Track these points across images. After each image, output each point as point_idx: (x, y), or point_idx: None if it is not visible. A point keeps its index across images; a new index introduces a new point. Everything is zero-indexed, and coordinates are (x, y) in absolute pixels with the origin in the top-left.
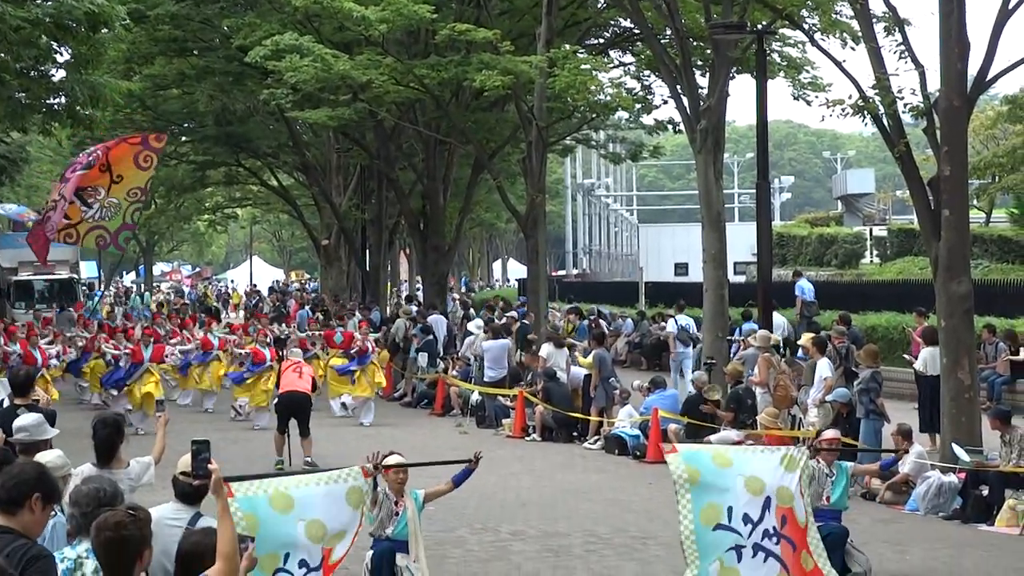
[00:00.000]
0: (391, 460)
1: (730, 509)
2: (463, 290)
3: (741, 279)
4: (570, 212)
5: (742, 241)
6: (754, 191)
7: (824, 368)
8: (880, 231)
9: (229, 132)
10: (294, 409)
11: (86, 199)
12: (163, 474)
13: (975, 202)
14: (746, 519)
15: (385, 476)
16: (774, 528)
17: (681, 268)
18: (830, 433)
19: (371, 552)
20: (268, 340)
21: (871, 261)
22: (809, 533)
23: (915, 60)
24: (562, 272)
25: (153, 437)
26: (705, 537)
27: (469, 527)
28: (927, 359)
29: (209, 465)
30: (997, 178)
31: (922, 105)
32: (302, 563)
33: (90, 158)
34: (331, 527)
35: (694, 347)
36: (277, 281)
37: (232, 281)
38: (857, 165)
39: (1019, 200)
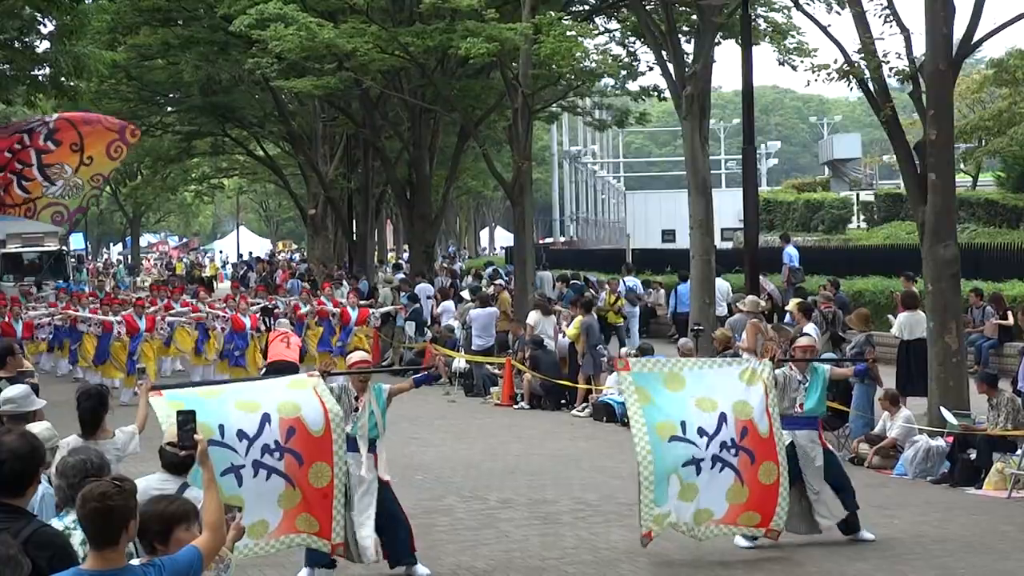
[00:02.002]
0: (355, 356)
1: (683, 423)
2: (445, 258)
3: (728, 245)
4: (557, 180)
5: (729, 207)
6: (740, 157)
7: (811, 333)
8: (867, 196)
9: (215, 102)
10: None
11: (50, 176)
12: (150, 444)
13: (962, 166)
14: (701, 432)
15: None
16: (732, 440)
17: (668, 235)
18: (804, 340)
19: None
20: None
21: (858, 226)
22: (777, 445)
23: (900, 24)
24: (549, 240)
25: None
26: (660, 450)
27: (458, 495)
28: (903, 323)
29: (195, 436)
30: (984, 142)
31: (908, 69)
32: (240, 433)
33: (50, 128)
34: (267, 400)
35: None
36: (269, 253)
37: (222, 252)
38: (844, 130)
39: (1006, 163)
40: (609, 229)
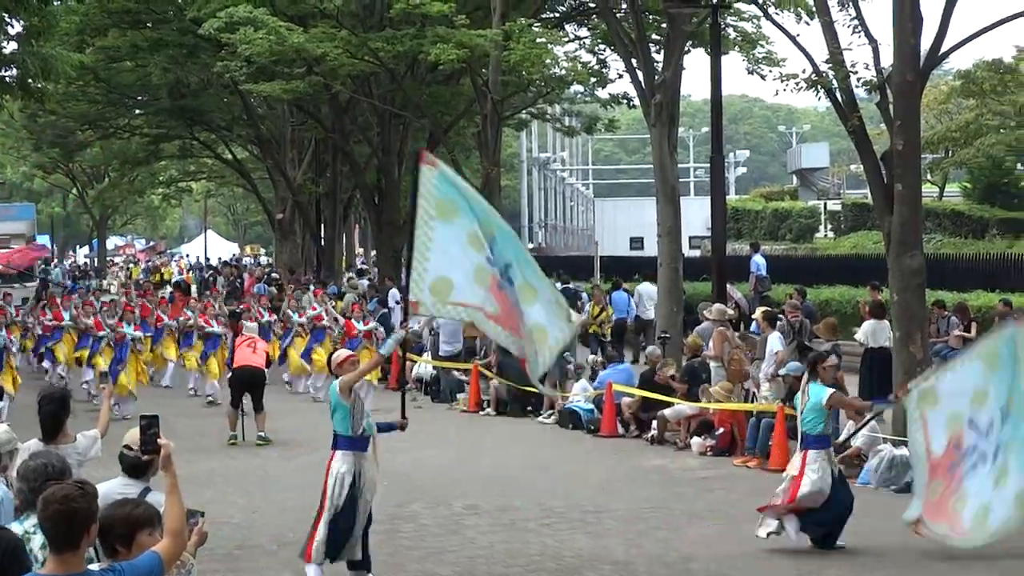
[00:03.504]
0: (343, 353)
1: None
2: None
3: (696, 253)
4: (526, 186)
5: (697, 215)
6: (709, 165)
7: (775, 342)
8: (834, 205)
9: (183, 105)
10: (249, 384)
11: None
12: (112, 449)
13: (928, 177)
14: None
15: (340, 369)
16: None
17: (636, 242)
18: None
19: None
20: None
21: (825, 235)
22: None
23: (869, 35)
24: None
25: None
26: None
27: (423, 501)
28: (868, 331)
29: (158, 440)
30: (950, 153)
31: (875, 80)
32: None
33: None
34: None
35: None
36: (234, 256)
37: (187, 255)
38: (812, 139)
39: (972, 175)
40: (578, 236)
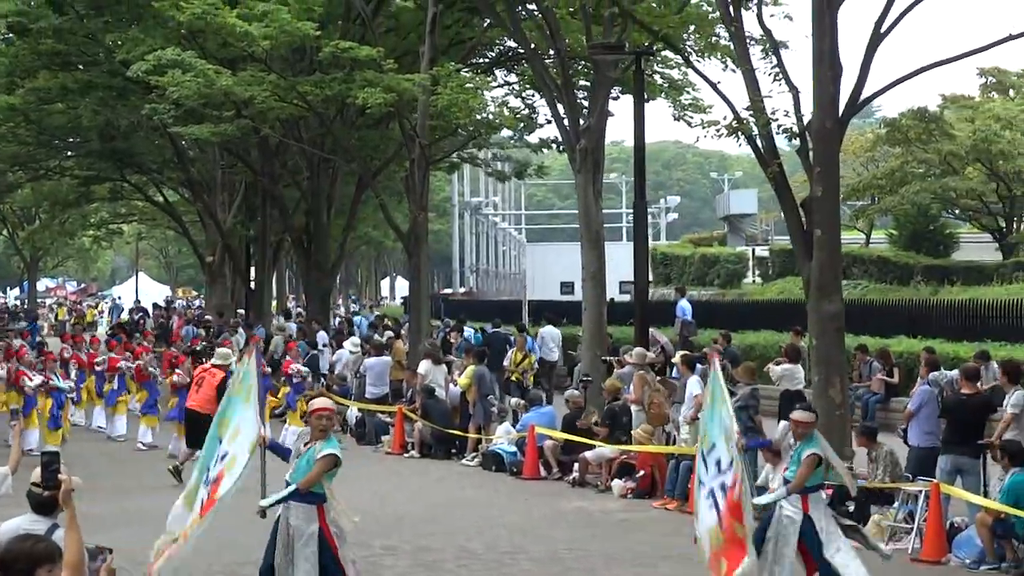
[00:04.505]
0: (319, 402)
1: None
2: (346, 310)
3: (627, 297)
4: (457, 230)
5: (628, 260)
6: (632, 211)
7: (694, 385)
8: (762, 251)
9: (114, 147)
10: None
11: None
12: (21, 487)
13: (856, 224)
14: (718, 464)
15: (309, 419)
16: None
17: (567, 287)
18: (799, 415)
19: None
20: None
21: (753, 281)
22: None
23: (789, 82)
24: (449, 290)
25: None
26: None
27: None
28: (779, 375)
29: (59, 475)
30: (876, 200)
31: (796, 127)
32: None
33: None
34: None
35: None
36: (167, 298)
37: (119, 297)
38: (744, 186)
39: (898, 222)
40: (509, 280)
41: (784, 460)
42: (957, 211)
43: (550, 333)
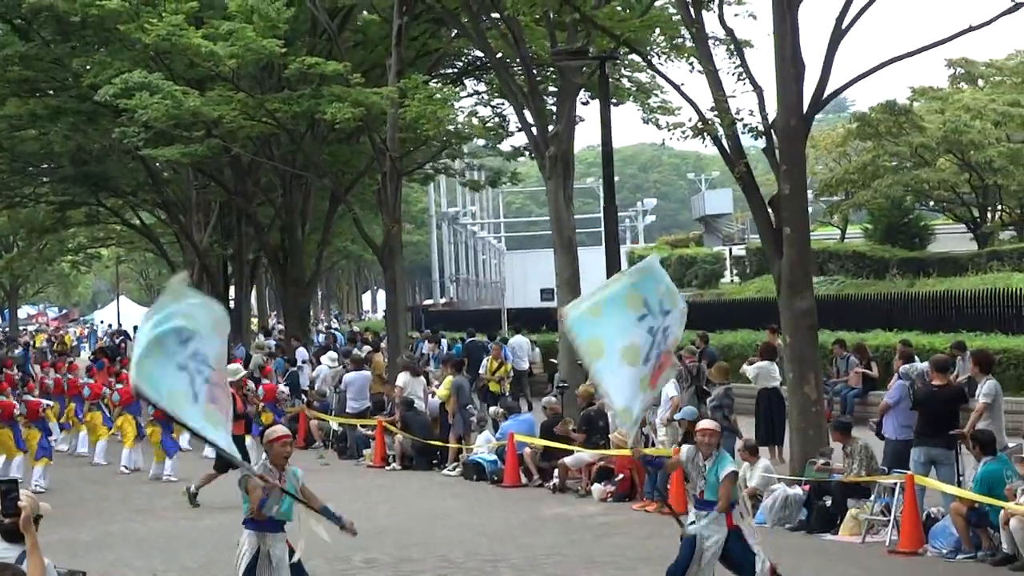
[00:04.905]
0: (278, 431)
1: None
2: (328, 324)
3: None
4: (435, 241)
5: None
6: (619, 215)
7: (670, 387)
8: (739, 250)
9: (87, 172)
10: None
11: None
12: None
13: (832, 219)
14: None
15: (271, 447)
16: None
17: (547, 293)
18: (707, 424)
19: (253, 534)
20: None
21: (731, 280)
22: None
23: (753, 82)
24: (429, 301)
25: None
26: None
27: (322, 556)
28: (754, 373)
29: (18, 503)
30: (850, 194)
31: (761, 126)
32: None
33: None
34: None
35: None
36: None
37: (103, 322)
38: (721, 185)
39: (872, 216)
40: (490, 289)
41: (695, 480)
42: (931, 203)
43: (518, 343)
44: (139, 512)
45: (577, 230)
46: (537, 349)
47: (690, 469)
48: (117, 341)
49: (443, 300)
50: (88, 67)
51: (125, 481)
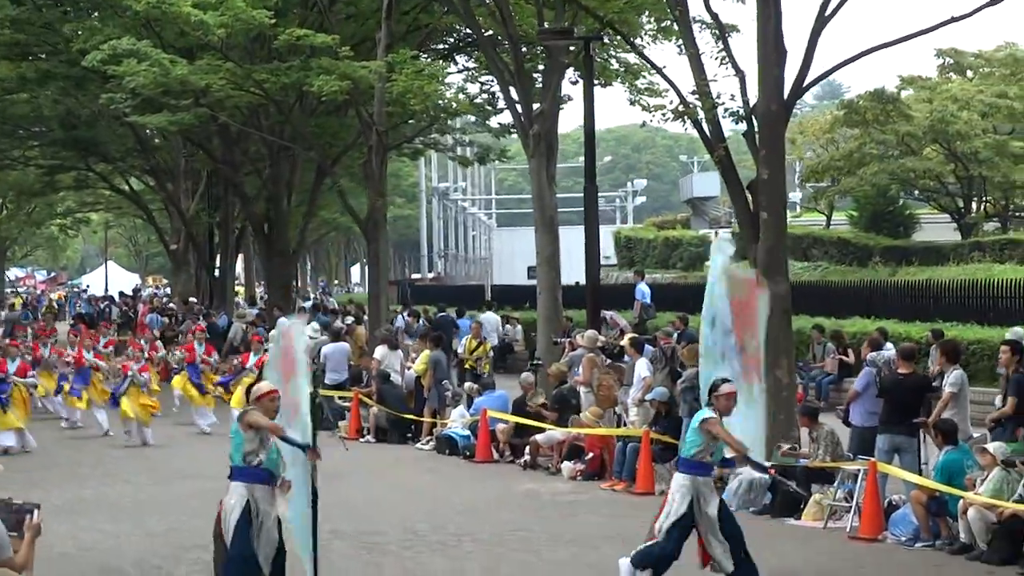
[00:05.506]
0: (265, 386)
1: None
2: (317, 294)
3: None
4: (425, 215)
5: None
6: (609, 195)
7: (642, 368)
8: (725, 233)
9: (76, 136)
10: None
11: None
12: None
13: (818, 205)
14: None
15: (260, 403)
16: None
17: (534, 271)
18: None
19: (242, 485)
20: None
21: None
22: None
23: (735, 66)
24: (417, 276)
25: None
26: None
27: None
28: None
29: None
30: (836, 181)
31: (742, 110)
32: None
33: None
34: None
35: None
36: (137, 286)
37: (88, 287)
38: (712, 168)
39: (858, 203)
40: (478, 265)
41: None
42: (916, 192)
43: (488, 319)
44: (110, 477)
45: (566, 209)
46: (520, 327)
47: None
48: (103, 306)
49: (431, 275)
50: (79, 32)
51: (98, 446)
